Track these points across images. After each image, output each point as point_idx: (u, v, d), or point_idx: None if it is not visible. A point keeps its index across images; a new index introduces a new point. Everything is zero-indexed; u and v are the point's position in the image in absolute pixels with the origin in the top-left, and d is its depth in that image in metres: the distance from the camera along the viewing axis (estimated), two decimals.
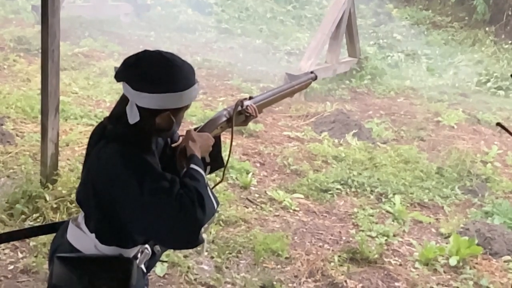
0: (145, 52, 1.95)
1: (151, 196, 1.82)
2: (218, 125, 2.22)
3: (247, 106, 2.29)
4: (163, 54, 1.93)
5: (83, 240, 2.02)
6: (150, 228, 1.87)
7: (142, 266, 2.11)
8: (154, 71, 1.89)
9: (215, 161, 2.25)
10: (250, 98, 2.37)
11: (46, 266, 3.36)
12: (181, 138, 2.16)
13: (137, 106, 1.89)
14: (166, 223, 1.83)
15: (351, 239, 4.65)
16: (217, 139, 2.23)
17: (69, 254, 2.02)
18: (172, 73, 1.90)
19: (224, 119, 2.23)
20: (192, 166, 1.97)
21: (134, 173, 1.85)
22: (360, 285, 4.06)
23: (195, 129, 2.21)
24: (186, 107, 1.97)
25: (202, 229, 1.87)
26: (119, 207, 1.88)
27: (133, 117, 1.90)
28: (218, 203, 1.98)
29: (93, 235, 1.99)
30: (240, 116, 2.28)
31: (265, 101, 2.40)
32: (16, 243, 3.88)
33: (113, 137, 1.93)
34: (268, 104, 2.44)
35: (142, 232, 1.93)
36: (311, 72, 2.71)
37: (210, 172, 2.27)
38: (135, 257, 2.04)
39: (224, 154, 2.31)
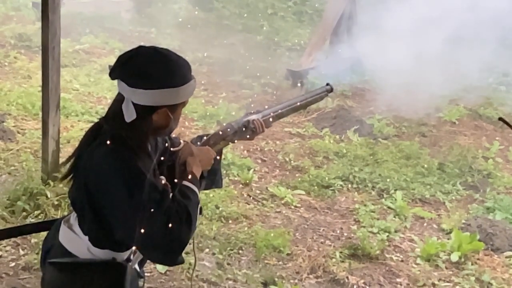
0: (140, 48, 1.92)
1: (140, 206, 1.76)
2: (223, 139, 2.20)
3: (253, 121, 2.24)
4: (158, 49, 1.90)
5: (76, 242, 1.97)
6: (135, 238, 1.80)
7: (136, 266, 2.07)
8: (150, 67, 1.86)
9: (213, 177, 2.23)
10: (258, 111, 2.32)
11: None
12: (182, 143, 2.11)
13: (133, 103, 1.86)
14: (150, 235, 1.76)
15: (352, 235, 4.65)
16: (218, 153, 2.19)
17: (61, 259, 1.97)
18: (168, 68, 1.87)
19: (229, 133, 2.21)
20: (185, 183, 1.91)
21: (125, 181, 1.79)
22: (362, 281, 4.06)
23: (200, 137, 2.18)
24: (183, 103, 1.93)
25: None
26: (109, 211, 1.84)
27: (129, 115, 1.85)
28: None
29: (86, 237, 1.94)
30: (245, 131, 2.24)
31: (273, 115, 2.34)
32: (18, 240, 3.88)
33: (107, 138, 1.87)
34: (276, 119, 2.37)
35: (128, 240, 1.84)
36: (327, 84, 2.57)
37: (205, 189, 2.23)
38: (128, 259, 2.00)
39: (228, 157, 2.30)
